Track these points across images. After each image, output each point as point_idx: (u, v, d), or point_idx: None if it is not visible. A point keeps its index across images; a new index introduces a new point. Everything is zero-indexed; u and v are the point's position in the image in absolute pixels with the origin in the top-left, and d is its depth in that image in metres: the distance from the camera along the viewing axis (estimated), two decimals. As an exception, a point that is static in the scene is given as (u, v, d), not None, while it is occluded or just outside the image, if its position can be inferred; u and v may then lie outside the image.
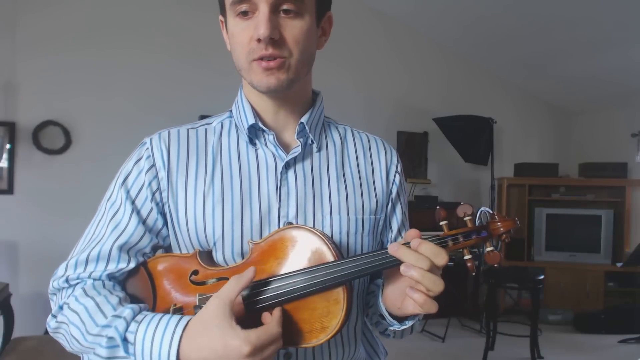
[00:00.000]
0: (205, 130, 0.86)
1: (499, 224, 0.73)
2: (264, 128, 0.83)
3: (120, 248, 0.78)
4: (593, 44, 4.03)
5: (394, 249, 0.69)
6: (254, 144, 0.84)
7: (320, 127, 0.88)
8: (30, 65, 3.46)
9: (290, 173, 0.82)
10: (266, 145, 0.84)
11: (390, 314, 0.79)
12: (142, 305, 0.73)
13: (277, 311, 0.69)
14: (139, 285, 0.79)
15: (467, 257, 0.73)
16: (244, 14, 0.75)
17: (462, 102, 4.78)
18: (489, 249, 0.73)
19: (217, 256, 0.79)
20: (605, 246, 4.46)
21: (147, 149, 0.82)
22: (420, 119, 4.70)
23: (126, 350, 0.67)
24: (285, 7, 0.74)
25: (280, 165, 0.82)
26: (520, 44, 4.39)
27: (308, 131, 0.84)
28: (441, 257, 0.68)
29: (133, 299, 0.78)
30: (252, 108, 0.84)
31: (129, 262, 0.78)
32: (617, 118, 4.87)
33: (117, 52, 3.68)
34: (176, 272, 0.77)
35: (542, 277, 3.45)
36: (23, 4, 3.45)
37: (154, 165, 0.81)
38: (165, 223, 0.82)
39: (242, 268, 0.74)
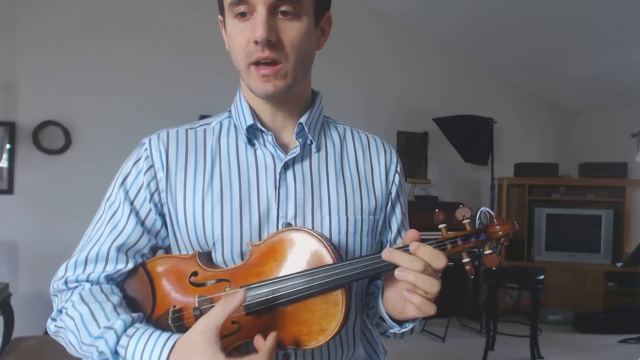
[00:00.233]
0: (204, 130, 0.86)
1: (497, 227, 0.73)
2: (263, 129, 0.83)
3: (118, 249, 0.78)
4: (593, 44, 4.03)
5: (388, 254, 0.69)
6: (252, 145, 0.84)
7: (319, 127, 0.88)
8: (30, 65, 3.46)
9: (289, 173, 0.82)
10: (265, 145, 0.83)
11: (390, 317, 0.79)
12: (134, 315, 0.73)
13: (270, 339, 0.68)
14: (138, 286, 0.79)
15: (465, 260, 0.73)
16: (242, 15, 0.75)
17: (462, 102, 4.78)
18: (488, 251, 0.73)
19: (217, 257, 0.79)
20: (605, 246, 4.46)
21: (146, 149, 0.82)
22: (420, 119, 4.70)
23: None
24: (283, 8, 0.73)
25: (279, 165, 0.82)
26: (520, 44, 4.39)
27: (307, 131, 0.84)
28: (439, 260, 0.68)
29: (133, 301, 0.78)
30: (251, 108, 0.84)
31: (127, 263, 0.78)
32: (617, 118, 4.87)
33: (117, 52, 3.68)
34: (175, 274, 0.77)
35: (542, 277, 3.45)
36: (23, 4, 3.45)
37: (152, 166, 0.81)
38: (164, 224, 0.82)
39: (241, 270, 0.74)
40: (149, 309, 0.77)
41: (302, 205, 0.81)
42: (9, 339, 2.57)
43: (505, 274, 3.65)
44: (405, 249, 0.70)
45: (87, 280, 0.77)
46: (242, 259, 0.78)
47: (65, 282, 0.77)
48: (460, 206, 0.73)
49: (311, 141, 0.85)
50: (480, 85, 5.06)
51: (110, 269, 0.77)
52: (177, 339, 0.68)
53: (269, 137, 0.83)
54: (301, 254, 0.73)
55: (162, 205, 0.81)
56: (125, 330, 0.70)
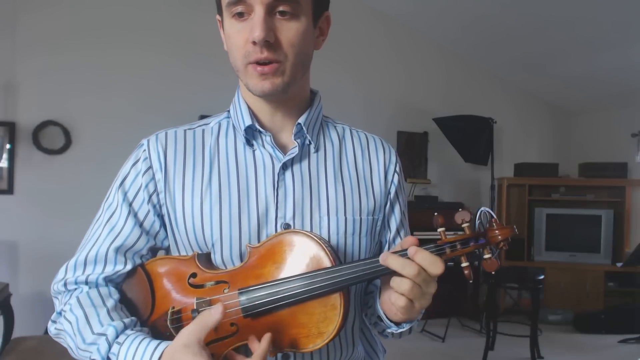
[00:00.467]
0: (203, 131, 0.86)
1: (497, 231, 0.73)
2: (261, 129, 0.83)
3: (117, 250, 0.78)
4: (593, 44, 4.03)
5: (383, 258, 0.69)
6: (251, 145, 0.83)
7: (318, 127, 0.88)
8: (30, 65, 3.46)
9: (288, 174, 0.82)
10: (263, 146, 0.83)
11: (387, 317, 0.79)
12: (126, 321, 0.73)
13: (264, 342, 0.68)
14: (138, 287, 0.79)
15: (464, 264, 0.73)
16: (240, 15, 0.75)
17: (462, 102, 4.78)
18: (487, 255, 0.73)
19: (216, 258, 0.79)
20: (605, 246, 4.46)
21: (145, 150, 0.82)
22: (420, 119, 4.70)
23: None
24: (281, 8, 0.73)
25: (278, 166, 0.81)
26: (520, 44, 4.39)
27: (305, 132, 0.84)
28: (436, 267, 0.68)
29: (132, 302, 0.78)
30: (249, 109, 0.84)
31: (125, 264, 0.78)
32: (617, 118, 4.87)
33: (117, 52, 3.68)
34: (175, 275, 0.77)
35: (542, 277, 3.45)
36: (23, 4, 3.45)
37: (151, 167, 0.81)
38: (163, 225, 0.83)
39: (240, 272, 0.74)
40: (148, 310, 0.77)
41: (300, 206, 0.81)
42: (9, 339, 2.57)
43: (505, 274, 3.65)
44: (403, 253, 0.70)
45: (86, 282, 0.78)
46: (241, 259, 0.78)
47: (65, 284, 0.78)
48: (460, 210, 0.73)
49: (310, 141, 0.85)
50: (480, 85, 5.06)
51: (109, 270, 0.78)
52: (164, 349, 0.67)
53: (268, 138, 0.83)
54: (300, 256, 0.73)
55: (160, 207, 0.81)
56: (117, 337, 0.70)
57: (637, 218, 4.55)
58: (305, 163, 0.84)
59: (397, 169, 0.92)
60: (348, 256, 0.82)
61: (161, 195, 0.81)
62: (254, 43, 0.73)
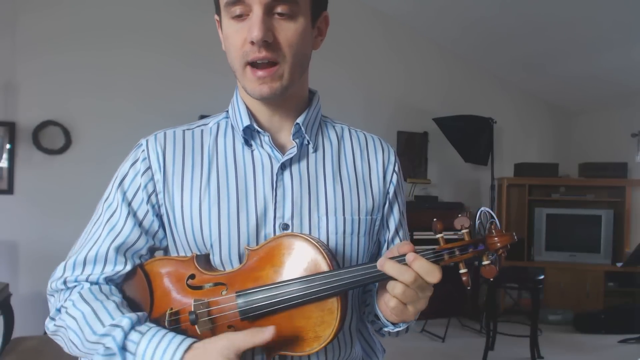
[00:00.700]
0: (202, 131, 0.86)
1: (496, 238, 0.72)
2: (259, 129, 0.83)
3: (117, 250, 0.78)
4: (593, 44, 4.03)
5: (381, 264, 0.70)
6: (249, 145, 0.83)
7: (316, 127, 0.88)
8: (30, 65, 3.46)
9: (286, 174, 0.82)
10: (262, 146, 0.83)
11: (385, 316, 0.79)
12: (140, 314, 0.73)
13: (270, 330, 0.69)
14: (136, 287, 0.79)
15: (462, 270, 0.73)
16: (238, 15, 0.75)
17: (462, 102, 4.78)
18: (486, 262, 0.73)
19: (215, 259, 0.79)
20: (605, 246, 4.46)
21: (143, 150, 0.82)
22: (420, 119, 4.70)
23: (124, 359, 0.69)
24: (279, 9, 0.73)
25: (276, 166, 0.81)
26: (519, 44, 4.39)
27: (304, 132, 0.84)
28: (433, 275, 0.68)
29: (131, 302, 0.78)
30: (248, 109, 0.84)
31: (125, 264, 0.78)
32: (617, 118, 4.87)
33: (117, 53, 3.68)
34: (173, 276, 0.77)
35: (542, 277, 3.45)
36: (23, 4, 3.45)
37: (150, 167, 0.81)
38: (162, 225, 0.83)
39: (238, 274, 0.74)
40: (147, 311, 0.77)
41: (299, 206, 0.81)
42: (9, 339, 2.57)
43: (505, 274, 3.65)
44: (401, 259, 0.70)
45: (87, 281, 0.78)
46: (240, 260, 0.78)
47: (64, 282, 0.78)
48: (459, 215, 0.73)
49: (308, 141, 0.85)
50: (480, 85, 5.06)
51: (109, 270, 0.78)
52: (193, 342, 0.69)
53: (266, 138, 0.83)
54: (298, 260, 0.73)
55: (159, 207, 0.81)
56: (132, 327, 0.70)
57: (637, 218, 4.55)
58: (303, 163, 0.84)
59: (396, 168, 0.92)
60: (347, 256, 0.82)
61: (160, 196, 0.81)
62: (252, 43, 0.73)
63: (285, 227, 0.80)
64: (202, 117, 3.00)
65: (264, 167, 0.82)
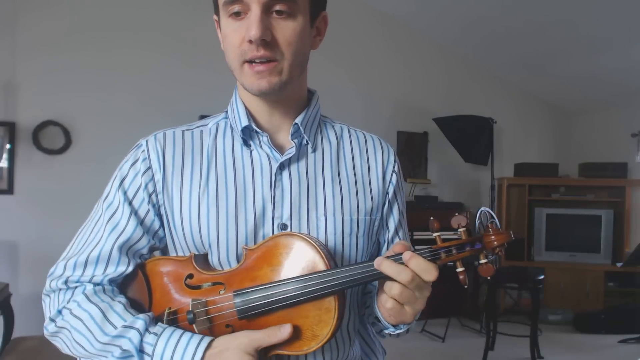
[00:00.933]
0: (201, 131, 0.86)
1: (493, 237, 0.72)
2: (258, 130, 0.83)
3: (120, 249, 0.78)
4: (593, 44, 4.03)
5: (378, 263, 0.70)
6: (248, 146, 0.83)
7: (315, 127, 0.88)
8: (30, 65, 3.46)
9: (285, 174, 0.82)
10: (260, 146, 0.83)
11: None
12: (150, 314, 0.74)
13: (287, 328, 0.71)
14: (136, 287, 0.79)
15: (459, 269, 0.72)
16: (237, 14, 0.75)
17: (462, 102, 4.78)
18: (483, 261, 0.73)
19: (213, 259, 0.79)
20: (605, 246, 4.46)
21: (143, 151, 0.82)
22: (420, 119, 4.70)
23: None
24: (277, 7, 0.73)
25: (275, 166, 0.81)
26: (519, 44, 4.39)
27: (302, 132, 0.84)
28: (430, 274, 0.68)
29: (130, 301, 0.78)
30: (246, 109, 0.84)
31: (128, 264, 0.78)
32: (617, 118, 4.86)
33: (117, 52, 3.68)
34: (172, 276, 0.77)
35: (542, 277, 3.45)
36: (23, 4, 3.45)
37: (150, 167, 0.81)
38: (162, 224, 0.83)
39: (236, 273, 0.75)
40: (146, 310, 0.77)
41: (297, 206, 0.81)
42: (9, 339, 2.57)
43: (505, 274, 3.65)
44: (398, 258, 0.70)
45: (90, 282, 0.77)
46: (238, 260, 0.78)
47: (66, 282, 0.77)
48: (456, 214, 0.73)
49: (307, 141, 0.85)
50: (480, 85, 5.06)
51: (112, 271, 0.77)
52: (212, 340, 0.70)
53: (265, 138, 0.83)
54: (295, 259, 0.73)
55: (159, 207, 0.81)
56: (146, 329, 0.71)
57: (637, 218, 4.55)
58: (302, 163, 0.84)
59: (396, 168, 0.91)
60: (345, 256, 0.82)
61: (160, 196, 0.81)
62: (250, 42, 0.73)
63: (283, 227, 0.79)
64: (202, 117, 3.00)
65: (262, 168, 0.82)
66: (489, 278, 0.83)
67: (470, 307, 4.37)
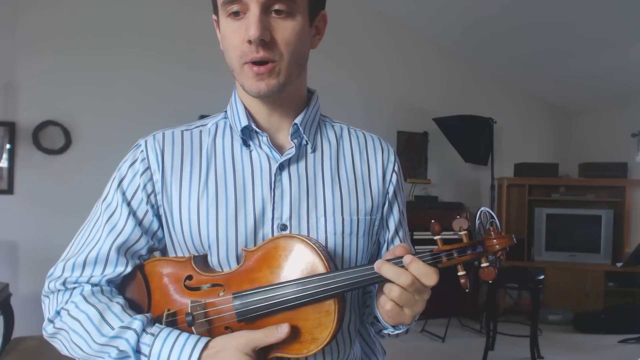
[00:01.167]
0: (200, 131, 0.85)
1: (495, 240, 0.72)
2: (257, 130, 0.82)
3: (118, 250, 0.78)
4: (593, 44, 4.03)
5: (378, 267, 0.70)
6: (248, 146, 0.83)
7: (315, 127, 0.87)
8: (30, 65, 3.46)
9: (285, 174, 0.81)
10: (260, 147, 0.83)
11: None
12: (148, 315, 0.74)
13: (285, 328, 0.70)
14: (134, 288, 0.79)
15: (460, 273, 0.72)
16: (236, 14, 0.74)
17: (462, 102, 4.78)
18: (485, 264, 0.73)
19: (212, 260, 0.79)
20: (605, 246, 4.46)
21: (142, 151, 0.82)
22: (420, 119, 4.70)
23: None
24: (276, 7, 0.73)
25: (274, 166, 0.81)
26: (520, 44, 4.39)
27: (302, 132, 0.83)
28: (430, 278, 0.68)
29: (129, 302, 0.78)
30: (246, 109, 0.83)
31: (126, 265, 0.78)
32: (617, 118, 4.86)
33: (117, 52, 3.68)
34: (171, 277, 0.77)
35: (542, 277, 3.45)
36: (23, 4, 3.45)
37: (149, 167, 0.81)
38: (161, 225, 0.82)
39: (235, 275, 0.74)
40: (144, 312, 0.77)
41: (297, 207, 0.80)
42: (9, 339, 2.57)
43: (505, 274, 3.65)
44: (398, 261, 0.70)
45: (88, 283, 0.77)
46: (238, 261, 0.78)
47: (64, 283, 0.77)
48: (457, 217, 0.72)
49: (306, 142, 0.84)
50: (480, 85, 5.06)
51: (110, 271, 0.77)
52: (209, 340, 0.70)
53: (264, 138, 0.82)
54: (295, 262, 0.72)
55: (158, 207, 0.81)
56: (144, 329, 0.71)
57: (637, 218, 4.55)
58: (302, 163, 0.83)
59: (396, 168, 0.91)
60: (345, 256, 0.82)
61: (159, 196, 0.80)
62: (250, 42, 0.73)
63: (283, 227, 0.79)
64: (202, 117, 3.01)
65: (262, 168, 0.81)
66: (490, 282, 0.83)
67: (470, 307, 4.37)
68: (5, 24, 3.42)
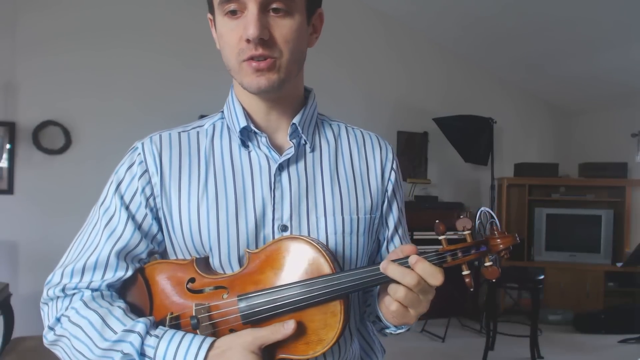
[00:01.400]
0: (197, 133, 0.85)
1: (498, 240, 0.73)
2: (256, 130, 0.82)
3: (118, 254, 0.76)
4: (593, 44, 4.03)
5: (384, 267, 0.70)
6: (246, 146, 0.83)
7: (313, 126, 0.87)
8: (30, 65, 3.46)
9: (284, 175, 0.81)
10: (259, 147, 0.82)
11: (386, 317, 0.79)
12: (150, 318, 0.73)
13: (291, 324, 0.70)
14: (136, 292, 0.78)
15: (465, 272, 0.72)
16: (233, 13, 0.74)
17: (462, 102, 4.78)
18: (488, 263, 0.73)
19: (214, 262, 0.78)
20: (605, 246, 4.46)
21: (140, 154, 0.81)
22: (420, 119, 4.70)
23: None
24: (274, 5, 0.73)
25: (274, 167, 0.81)
26: (520, 44, 4.39)
27: (301, 132, 0.83)
28: (435, 278, 0.68)
29: (131, 307, 0.77)
30: (244, 109, 0.83)
31: (126, 269, 0.77)
32: (617, 118, 4.86)
33: (117, 52, 3.68)
34: (173, 280, 0.76)
35: (542, 277, 3.45)
36: (23, 4, 3.45)
37: (146, 170, 0.80)
38: (160, 228, 0.81)
39: (239, 277, 0.74)
40: (146, 315, 0.76)
41: (297, 207, 0.80)
42: (9, 339, 2.57)
43: (505, 274, 3.65)
44: (404, 261, 0.70)
45: (88, 288, 0.76)
46: (240, 263, 0.77)
47: (63, 289, 0.75)
48: (461, 217, 0.73)
49: (305, 141, 0.84)
50: (480, 85, 5.06)
51: (110, 276, 0.76)
52: (214, 340, 0.69)
53: (263, 139, 0.82)
54: (299, 263, 0.72)
55: (157, 210, 0.80)
56: (147, 332, 0.70)
57: (637, 218, 4.55)
58: (301, 163, 0.83)
59: (394, 166, 0.91)
60: (346, 255, 0.82)
61: (158, 199, 0.80)
62: (248, 41, 0.72)
63: (284, 228, 0.79)
64: (202, 116, 3.00)
65: (261, 169, 0.81)
66: (494, 281, 0.83)
67: (470, 307, 4.37)
68: (5, 24, 3.42)
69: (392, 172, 0.90)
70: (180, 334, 0.70)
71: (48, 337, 0.75)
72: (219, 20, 0.77)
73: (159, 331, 0.71)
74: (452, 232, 0.73)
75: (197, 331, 0.71)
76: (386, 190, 0.89)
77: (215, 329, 0.72)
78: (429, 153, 4.83)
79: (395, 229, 0.91)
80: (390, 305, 0.72)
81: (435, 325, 3.95)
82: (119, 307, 0.73)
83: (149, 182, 0.80)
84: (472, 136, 4.50)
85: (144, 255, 0.80)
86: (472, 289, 0.73)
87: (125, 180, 0.80)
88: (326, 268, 0.71)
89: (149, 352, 0.69)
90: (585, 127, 5.30)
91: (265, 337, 0.69)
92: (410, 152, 4.74)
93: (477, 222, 3.31)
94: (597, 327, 4.02)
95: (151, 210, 0.80)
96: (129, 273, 0.77)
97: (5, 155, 3.43)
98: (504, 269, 3.95)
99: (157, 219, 0.81)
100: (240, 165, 0.81)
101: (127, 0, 3.72)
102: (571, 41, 4.11)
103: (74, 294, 0.75)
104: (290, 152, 0.82)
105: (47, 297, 0.76)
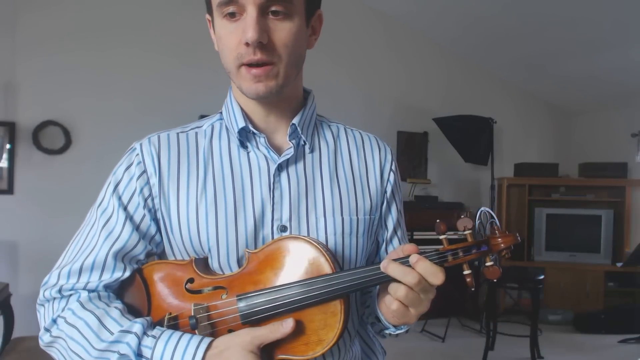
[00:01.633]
0: (196, 133, 0.84)
1: (499, 239, 0.73)
2: (255, 131, 0.82)
3: (115, 255, 0.76)
4: (593, 44, 4.03)
5: (384, 266, 0.69)
6: (245, 147, 0.82)
7: (312, 127, 0.87)
8: (30, 65, 3.46)
9: (283, 175, 0.81)
10: (258, 148, 0.82)
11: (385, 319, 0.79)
12: (148, 318, 0.73)
13: (290, 323, 0.70)
14: (134, 293, 0.78)
15: (466, 272, 0.72)
16: (232, 15, 0.73)
17: (462, 102, 4.78)
18: (489, 263, 0.73)
19: (213, 263, 0.78)
20: (605, 246, 4.46)
21: (138, 154, 0.80)
22: (420, 119, 4.70)
23: None
24: (273, 8, 0.72)
25: (273, 167, 0.80)
26: (520, 44, 4.39)
27: (300, 132, 0.83)
28: (436, 277, 0.68)
29: (129, 307, 0.76)
30: (242, 110, 0.83)
31: (124, 270, 0.76)
32: (617, 118, 4.86)
33: (117, 52, 3.68)
34: (172, 280, 0.76)
35: (542, 277, 3.45)
36: (23, 4, 3.45)
37: (145, 171, 0.79)
38: (159, 229, 0.81)
39: (238, 277, 0.74)
40: (144, 316, 0.75)
41: (296, 207, 0.80)
42: (9, 339, 2.57)
43: (505, 274, 3.65)
44: (404, 260, 0.70)
45: (85, 289, 0.75)
46: (239, 264, 0.77)
47: (59, 291, 0.75)
48: (462, 216, 0.73)
49: (304, 142, 0.84)
50: (480, 85, 5.06)
51: (107, 277, 0.75)
52: (212, 340, 0.69)
53: (262, 139, 0.82)
54: (299, 262, 0.72)
55: (155, 211, 0.80)
56: (144, 332, 0.70)
57: (637, 218, 4.55)
58: (300, 164, 0.83)
59: (393, 167, 0.91)
60: (346, 256, 0.82)
61: (156, 200, 0.79)
62: (247, 44, 0.72)
63: (283, 228, 0.79)
64: (202, 117, 3.01)
65: (260, 169, 0.81)
66: (494, 281, 0.83)
67: (470, 307, 4.37)
68: (5, 24, 3.42)
69: (391, 174, 0.90)
70: (177, 334, 0.70)
71: (44, 338, 0.74)
72: (218, 22, 0.76)
73: (156, 331, 0.70)
74: (452, 232, 0.74)
75: (196, 331, 0.71)
76: (385, 192, 0.89)
77: (213, 329, 0.72)
78: (429, 153, 4.83)
79: (394, 231, 0.91)
80: (391, 305, 0.71)
81: (435, 325, 3.95)
82: (116, 307, 0.73)
83: (147, 182, 0.79)
84: (472, 136, 4.50)
85: (141, 257, 0.79)
86: (473, 289, 0.73)
87: (123, 181, 0.79)
88: (326, 268, 0.71)
89: (146, 352, 0.68)
90: (585, 127, 5.30)
91: (264, 336, 0.68)
92: (410, 152, 4.74)
93: (477, 222, 3.31)
94: (597, 327, 4.02)
95: (149, 211, 0.79)
96: (127, 274, 0.76)
97: (5, 155, 3.43)
98: (504, 269, 3.95)
99: (155, 220, 0.80)
100: (239, 165, 0.81)
101: (127, 0, 3.72)
102: (571, 41, 4.10)
103: (70, 295, 0.75)
104: (289, 152, 0.82)
105: (44, 298, 0.76)
